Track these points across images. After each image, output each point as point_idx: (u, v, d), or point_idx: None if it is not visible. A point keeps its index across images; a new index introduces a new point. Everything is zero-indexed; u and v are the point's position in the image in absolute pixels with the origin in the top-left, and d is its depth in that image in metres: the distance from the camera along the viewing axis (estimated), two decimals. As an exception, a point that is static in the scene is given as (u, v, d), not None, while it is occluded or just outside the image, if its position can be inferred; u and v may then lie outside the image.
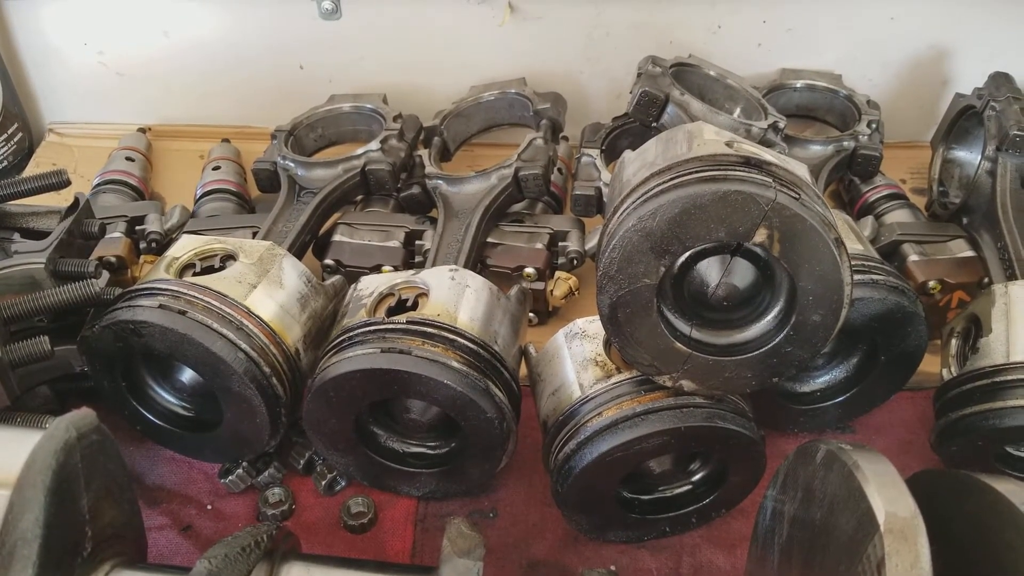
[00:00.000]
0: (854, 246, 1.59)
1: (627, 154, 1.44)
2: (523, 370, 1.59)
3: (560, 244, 1.91)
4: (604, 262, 1.23)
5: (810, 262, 1.18)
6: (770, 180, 1.16)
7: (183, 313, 1.42)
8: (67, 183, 1.63)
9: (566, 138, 2.29)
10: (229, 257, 1.57)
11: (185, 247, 1.59)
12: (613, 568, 1.51)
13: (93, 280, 1.47)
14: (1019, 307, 1.50)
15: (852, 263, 1.47)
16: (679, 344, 1.29)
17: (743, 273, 1.27)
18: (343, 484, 1.62)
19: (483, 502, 1.61)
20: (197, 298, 1.45)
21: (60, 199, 1.75)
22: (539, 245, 1.89)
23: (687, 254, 1.24)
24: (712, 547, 1.53)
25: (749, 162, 1.20)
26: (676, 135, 1.35)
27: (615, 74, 2.29)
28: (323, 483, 1.60)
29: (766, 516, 1.25)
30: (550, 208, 2.11)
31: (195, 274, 1.54)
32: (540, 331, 1.92)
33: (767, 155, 1.24)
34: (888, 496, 0.89)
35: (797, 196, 1.17)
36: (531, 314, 1.92)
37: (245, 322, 1.45)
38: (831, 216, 1.21)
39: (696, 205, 1.16)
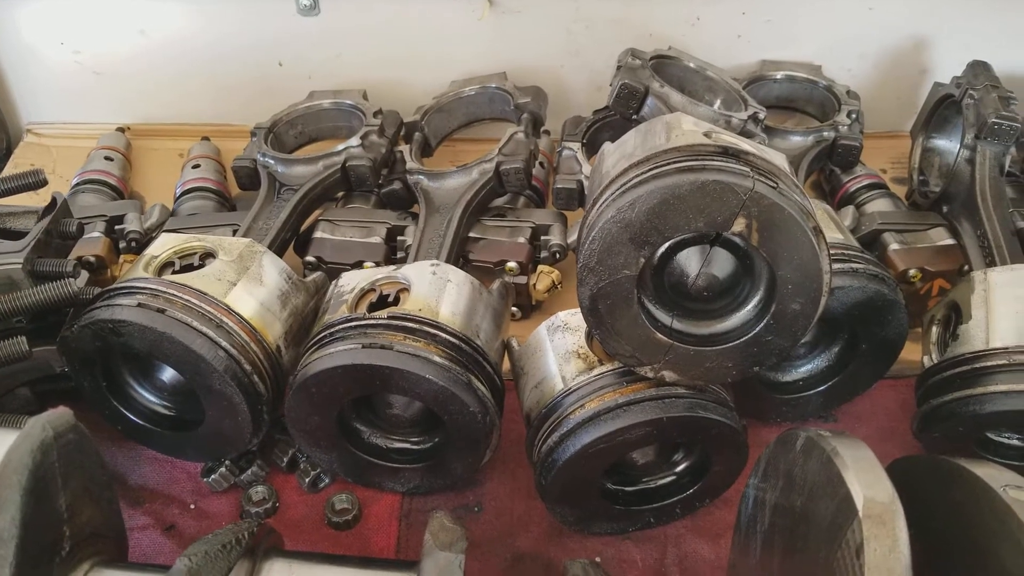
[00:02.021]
0: (834, 235, 1.60)
1: (607, 146, 1.44)
2: (507, 364, 1.59)
3: (542, 238, 1.91)
4: (584, 254, 1.23)
5: (789, 251, 1.18)
6: (748, 170, 1.17)
7: (162, 311, 1.41)
8: (44, 183, 1.62)
9: (547, 132, 2.29)
10: (208, 255, 1.56)
11: (164, 245, 1.58)
12: (599, 559, 1.51)
13: (71, 280, 1.46)
14: (998, 293, 1.50)
15: (832, 252, 1.47)
16: (660, 335, 1.29)
17: (722, 263, 1.28)
18: (327, 481, 1.62)
19: (468, 496, 1.61)
20: (176, 296, 1.44)
21: (38, 199, 1.74)
22: (521, 239, 1.89)
23: (666, 245, 1.25)
24: (697, 537, 1.54)
25: (727, 152, 1.20)
26: (655, 126, 1.35)
27: (595, 67, 2.29)
28: (307, 480, 1.59)
29: (748, 505, 1.25)
30: (532, 202, 2.10)
31: (174, 272, 1.53)
32: (524, 325, 1.92)
33: (745, 145, 1.24)
34: (866, 481, 0.90)
35: (775, 185, 1.17)
36: (514, 308, 1.92)
37: (225, 320, 1.44)
38: (809, 205, 1.21)
39: (674, 195, 1.16)
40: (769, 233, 1.17)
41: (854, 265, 1.50)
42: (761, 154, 1.23)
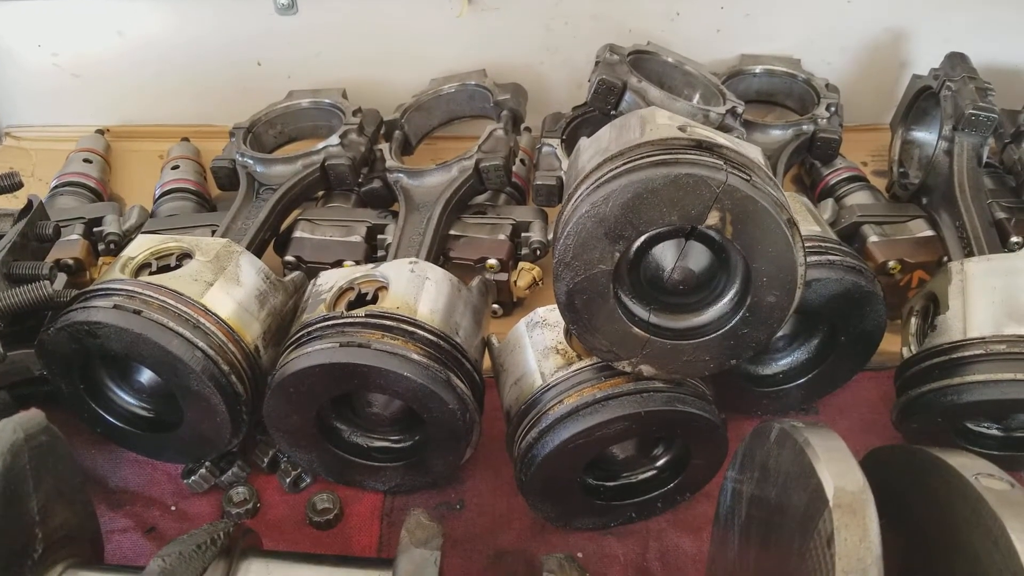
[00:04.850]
0: (811, 228, 1.60)
1: (583, 141, 1.44)
2: (488, 361, 1.59)
3: (523, 235, 1.91)
4: (559, 249, 1.23)
5: (763, 243, 1.18)
6: (721, 163, 1.16)
7: (138, 313, 1.40)
8: (19, 185, 1.61)
9: (528, 129, 2.29)
10: (185, 255, 1.56)
11: (141, 246, 1.58)
12: (580, 555, 1.51)
13: (46, 282, 1.45)
14: (975, 283, 1.51)
15: (809, 245, 1.48)
16: (637, 329, 1.29)
17: (698, 256, 1.27)
18: (308, 481, 1.61)
19: (450, 494, 1.61)
20: (153, 297, 1.43)
21: (18, 203, 1.73)
22: (502, 236, 1.89)
23: (642, 239, 1.24)
24: (678, 531, 1.54)
25: (701, 145, 1.20)
26: (629, 120, 1.34)
27: (576, 63, 2.29)
28: (288, 480, 1.59)
29: (727, 497, 1.25)
30: (513, 199, 2.10)
31: (151, 273, 1.53)
32: (506, 322, 1.91)
33: (720, 138, 1.24)
34: (837, 471, 0.90)
35: (748, 178, 1.17)
36: (496, 305, 1.92)
37: (202, 320, 1.44)
38: (783, 197, 1.21)
39: (648, 189, 1.16)
40: (743, 226, 1.17)
41: (831, 257, 1.51)
42: (736, 147, 1.23)
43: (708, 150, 1.20)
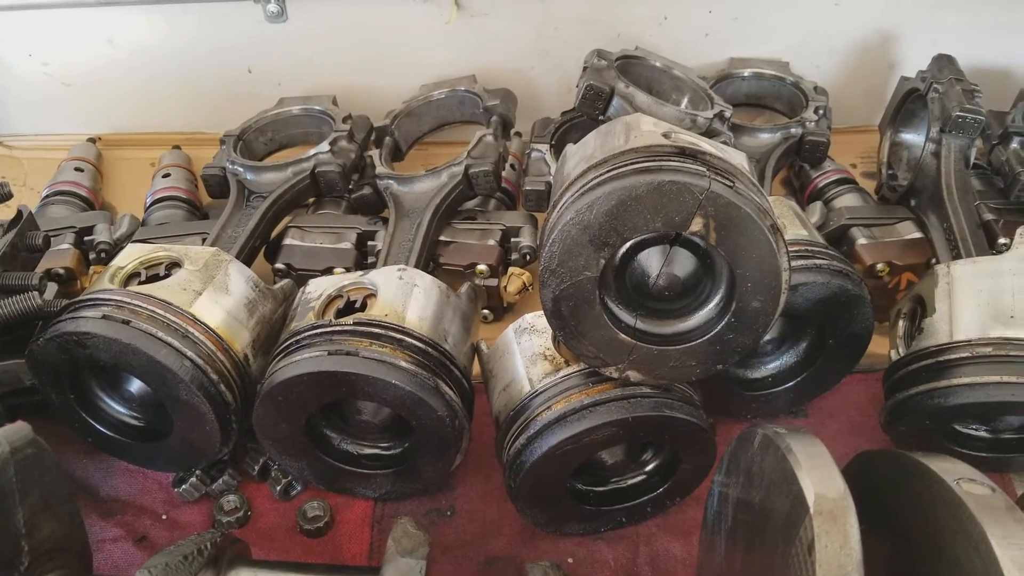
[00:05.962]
0: (798, 232, 1.60)
1: (569, 148, 1.45)
2: (477, 367, 1.59)
3: (513, 240, 1.92)
4: (545, 256, 1.23)
5: (746, 249, 1.19)
6: (704, 169, 1.17)
7: (127, 323, 1.41)
8: (8, 196, 1.62)
9: (519, 134, 2.29)
10: (174, 265, 1.56)
11: (130, 256, 1.58)
12: (571, 560, 1.51)
13: (35, 293, 1.45)
14: (961, 286, 1.51)
15: (795, 249, 1.49)
16: (624, 335, 1.29)
17: (683, 262, 1.28)
18: (299, 489, 1.61)
19: (440, 500, 1.61)
20: (141, 307, 1.44)
21: (9, 212, 1.73)
22: (491, 241, 1.89)
23: (627, 245, 1.25)
24: (668, 536, 1.54)
25: (684, 152, 1.21)
26: (614, 127, 1.35)
27: (566, 68, 2.29)
28: (278, 488, 1.59)
29: (714, 501, 1.26)
30: (503, 204, 2.11)
31: (140, 283, 1.53)
32: (496, 327, 1.91)
33: (704, 145, 1.24)
34: (818, 478, 0.90)
35: (731, 184, 1.17)
36: (486, 311, 1.92)
37: (191, 330, 1.44)
38: (767, 203, 1.22)
39: (631, 196, 1.16)
40: (726, 232, 1.17)
41: (818, 261, 1.51)
42: (720, 153, 1.23)
43: (692, 157, 1.20)
